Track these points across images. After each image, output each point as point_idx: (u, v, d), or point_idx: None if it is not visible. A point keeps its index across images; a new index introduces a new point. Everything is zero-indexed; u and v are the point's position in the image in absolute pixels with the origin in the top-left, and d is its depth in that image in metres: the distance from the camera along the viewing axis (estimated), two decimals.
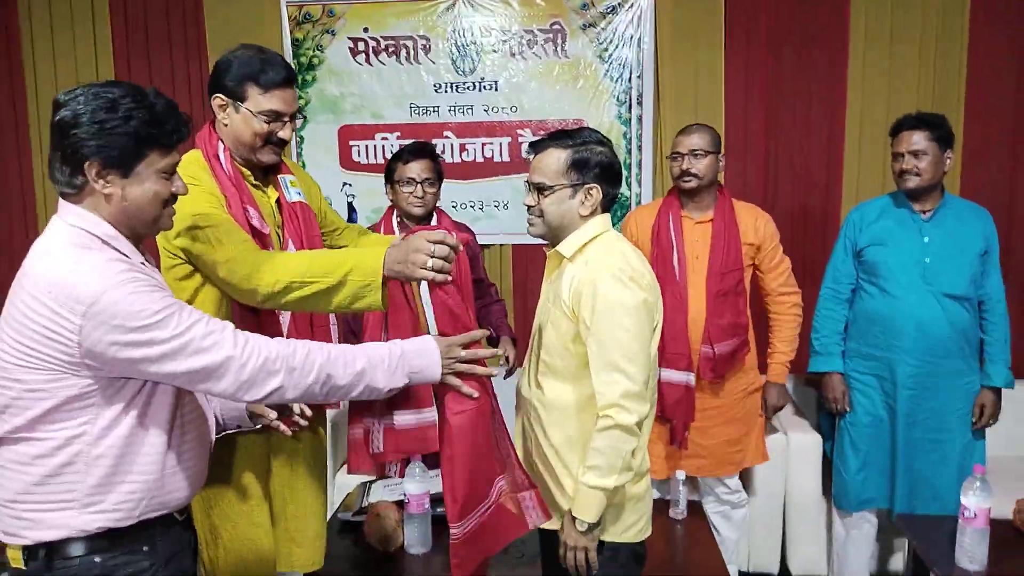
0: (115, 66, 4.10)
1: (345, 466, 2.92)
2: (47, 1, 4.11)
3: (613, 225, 1.87)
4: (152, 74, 4.09)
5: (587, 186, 1.76)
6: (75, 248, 1.36)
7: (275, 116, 1.78)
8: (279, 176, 1.92)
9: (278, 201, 1.90)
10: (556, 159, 1.77)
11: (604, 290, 1.69)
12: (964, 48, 3.59)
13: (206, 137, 1.83)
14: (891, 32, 3.62)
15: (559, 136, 1.81)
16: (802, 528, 3.03)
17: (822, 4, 3.66)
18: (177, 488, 1.47)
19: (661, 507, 2.46)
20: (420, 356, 1.52)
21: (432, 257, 1.54)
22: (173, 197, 1.45)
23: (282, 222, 1.88)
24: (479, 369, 1.58)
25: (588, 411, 1.73)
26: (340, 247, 2.04)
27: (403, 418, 2.49)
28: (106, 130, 1.35)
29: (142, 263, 1.45)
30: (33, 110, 4.18)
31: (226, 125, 1.81)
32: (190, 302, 1.69)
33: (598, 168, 1.77)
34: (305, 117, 1.92)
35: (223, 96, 1.79)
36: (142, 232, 1.46)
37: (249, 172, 1.85)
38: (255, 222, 1.76)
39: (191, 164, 1.75)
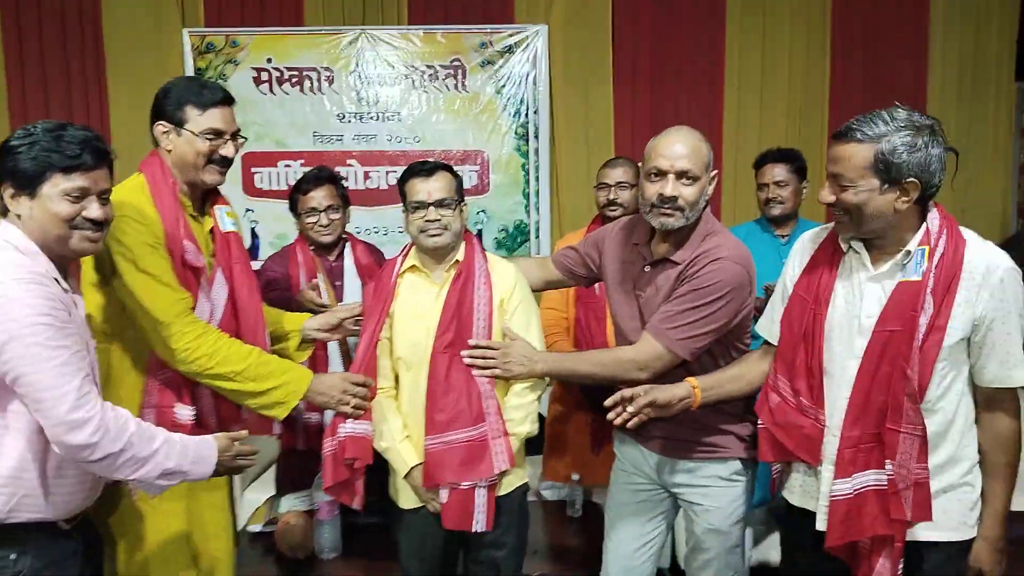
0: (8, 102, 4.02)
1: (252, 483, 2.93)
2: None
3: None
4: (49, 105, 4.03)
5: None
6: None
7: (216, 134, 1.85)
8: (216, 207, 1.98)
9: (211, 230, 1.96)
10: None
11: None
12: (826, 88, 4.03)
13: (153, 164, 1.88)
14: (762, 73, 4.03)
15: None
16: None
17: (699, 48, 4.04)
18: (59, 495, 1.50)
19: None
20: (203, 447, 1.63)
21: (354, 397, 1.90)
22: (86, 221, 1.51)
23: (214, 251, 1.94)
24: None
25: None
26: None
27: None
28: (14, 155, 1.47)
29: (64, 289, 1.51)
30: None
31: (169, 151, 1.87)
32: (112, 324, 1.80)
33: None
34: (245, 138, 1.99)
35: (165, 122, 1.86)
36: (58, 251, 1.52)
37: (189, 203, 1.91)
38: (190, 257, 1.82)
39: (137, 192, 1.81)
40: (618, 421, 1.74)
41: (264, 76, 3.91)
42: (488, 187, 3.98)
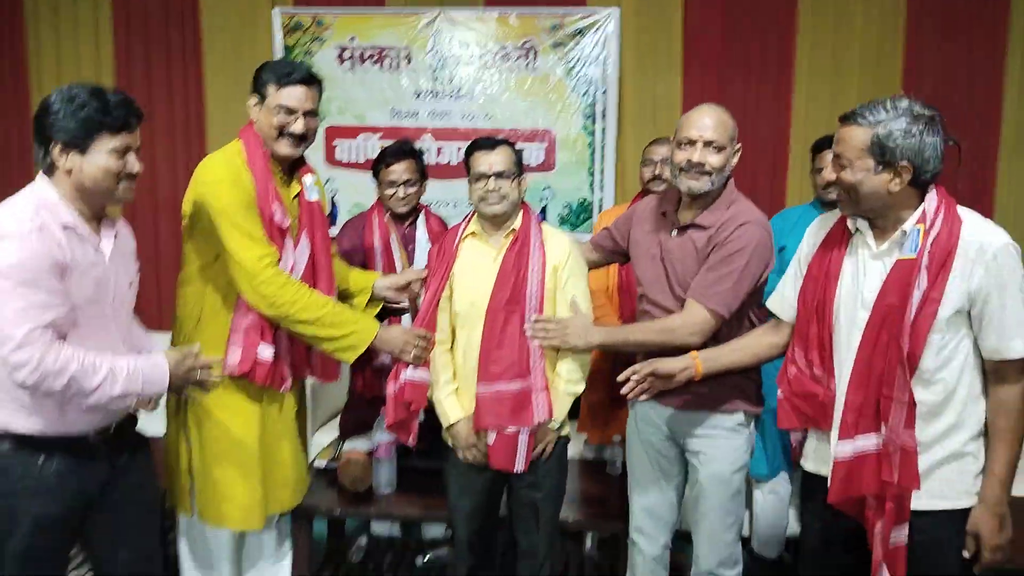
0: (116, 71, 4.38)
1: (321, 427, 3.18)
2: (53, 9, 4.37)
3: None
4: (152, 79, 4.37)
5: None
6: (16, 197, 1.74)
7: (286, 111, 2.08)
8: (304, 175, 2.21)
9: (297, 196, 2.19)
10: None
11: None
12: (898, 75, 3.97)
13: (248, 132, 2.14)
14: (833, 60, 4.01)
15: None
16: None
17: (770, 34, 4.04)
18: (72, 415, 1.74)
19: None
20: (152, 369, 1.79)
21: (415, 348, 2.14)
22: (127, 174, 1.76)
23: (299, 215, 2.17)
24: None
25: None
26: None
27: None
28: (62, 116, 1.70)
29: (87, 231, 1.76)
30: (35, 99, 4.44)
31: (255, 121, 2.11)
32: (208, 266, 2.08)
33: None
34: (320, 117, 2.21)
35: (255, 94, 2.11)
36: (101, 202, 1.78)
37: (278, 169, 2.13)
38: (278, 217, 2.06)
39: (234, 157, 2.07)
40: (631, 395, 1.98)
41: (347, 54, 4.14)
42: (555, 164, 4.11)
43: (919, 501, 1.70)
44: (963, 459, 1.72)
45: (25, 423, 1.72)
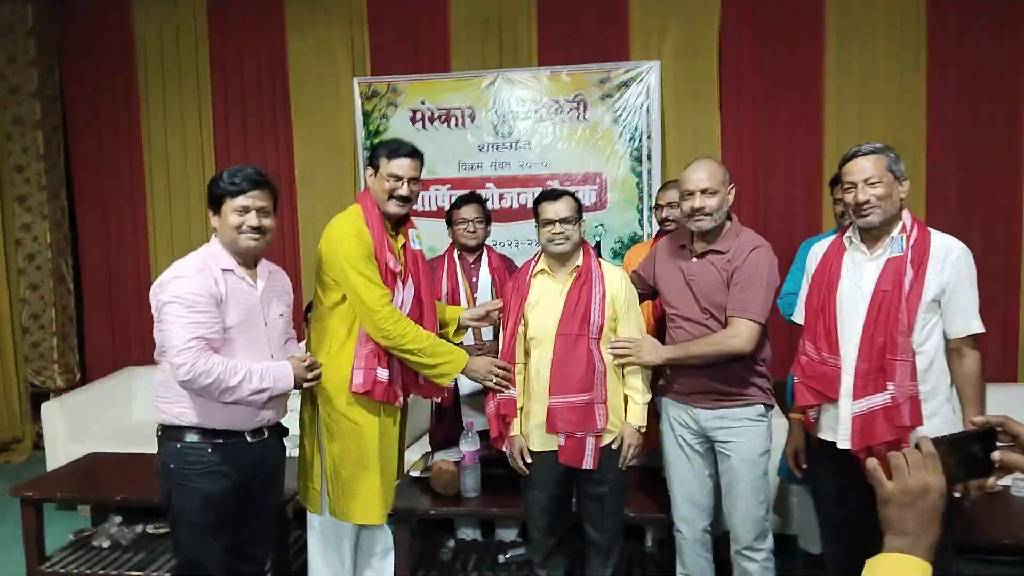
0: (215, 132, 5.01)
1: (412, 444, 3.65)
2: (161, 89, 5.04)
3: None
4: (247, 139, 4.98)
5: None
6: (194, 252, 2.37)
7: (395, 178, 2.57)
8: (408, 229, 2.70)
9: (403, 247, 2.68)
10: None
11: None
12: (923, 103, 4.30)
13: (365, 198, 2.63)
14: (859, 94, 4.36)
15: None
16: None
17: (800, 73, 4.42)
18: (232, 414, 2.27)
19: None
20: (281, 370, 2.33)
21: (496, 376, 2.59)
22: (248, 228, 2.28)
23: (405, 262, 2.65)
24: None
25: None
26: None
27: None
28: (210, 187, 2.33)
29: (242, 276, 2.33)
30: (147, 165, 5.11)
31: (370, 187, 2.62)
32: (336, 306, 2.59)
33: None
34: (421, 182, 2.73)
35: (370, 166, 2.62)
36: (233, 250, 2.33)
37: (389, 226, 2.63)
38: (391, 264, 2.56)
39: (356, 217, 2.57)
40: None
41: (419, 115, 4.67)
42: (606, 204, 4.54)
43: None
44: (939, 418, 2.21)
45: (199, 419, 2.26)
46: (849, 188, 2.28)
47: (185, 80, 5.02)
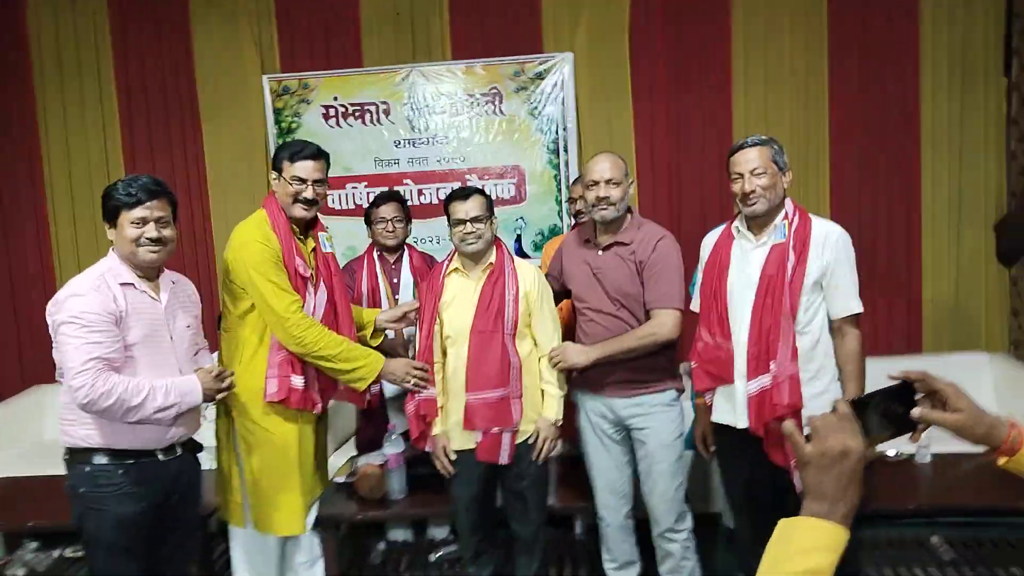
0: (121, 134, 4.81)
1: (336, 449, 3.61)
2: (60, 90, 4.80)
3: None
4: (153, 141, 4.80)
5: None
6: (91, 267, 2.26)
7: (299, 181, 2.52)
8: (318, 233, 2.65)
9: (313, 250, 2.62)
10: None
11: None
12: (825, 88, 4.43)
13: (271, 202, 2.57)
14: (765, 80, 4.47)
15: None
16: None
17: (708, 62, 4.50)
18: (143, 434, 2.20)
19: None
20: (186, 384, 2.26)
21: (414, 377, 2.58)
22: (147, 240, 2.20)
23: (316, 266, 2.60)
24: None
25: None
26: None
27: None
28: (104, 199, 2.24)
29: (143, 290, 2.25)
30: (47, 170, 4.86)
31: (275, 191, 2.55)
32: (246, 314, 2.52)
33: None
34: (326, 183, 2.66)
35: (273, 170, 2.56)
36: (134, 263, 2.24)
37: (297, 230, 2.57)
38: (300, 268, 2.50)
39: (262, 223, 2.51)
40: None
41: (332, 112, 4.59)
42: (525, 196, 4.56)
43: (806, 430, 2.26)
44: (828, 395, 2.33)
45: (106, 441, 2.18)
46: (736, 179, 2.38)
47: (86, 81, 4.78)
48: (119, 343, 2.16)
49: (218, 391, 2.34)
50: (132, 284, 2.22)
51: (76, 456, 2.22)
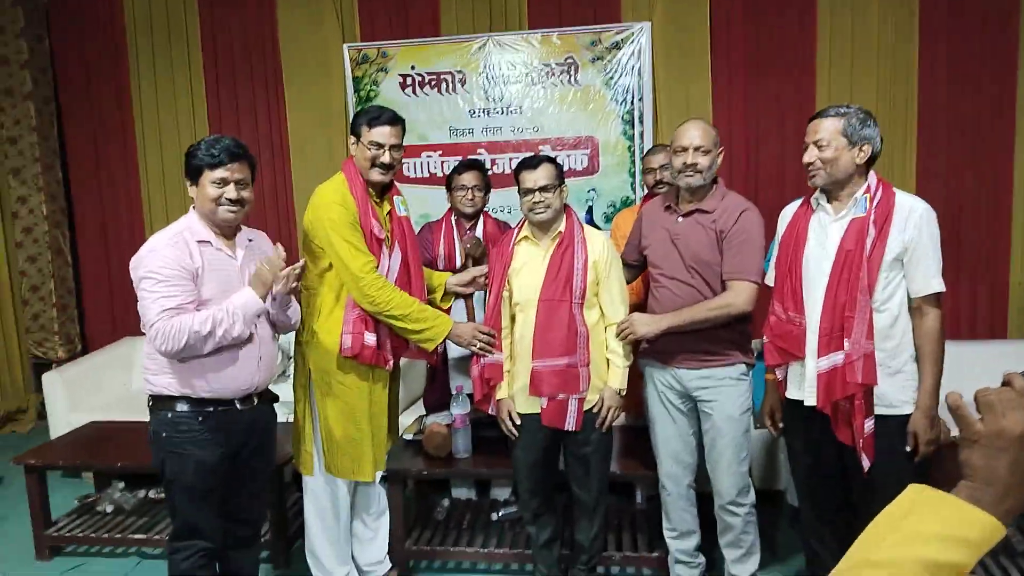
0: (207, 98, 5.00)
1: (406, 408, 3.71)
2: (152, 59, 5.02)
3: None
4: (238, 105, 4.98)
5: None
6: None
7: (376, 146, 2.59)
8: (393, 197, 2.73)
9: (389, 213, 2.70)
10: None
11: None
12: (914, 67, 4.27)
13: (349, 166, 2.65)
14: (851, 57, 4.33)
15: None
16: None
17: (791, 37, 4.38)
18: (220, 381, 2.31)
19: None
20: (240, 297, 2.31)
21: (480, 341, 2.61)
22: (227, 200, 2.29)
23: (391, 229, 2.68)
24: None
25: None
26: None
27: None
28: (188, 160, 2.32)
29: (220, 248, 2.35)
30: (140, 132, 5.11)
31: (354, 156, 2.63)
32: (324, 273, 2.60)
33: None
34: (403, 149, 2.73)
35: (352, 135, 2.63)
36: (214, 220, 2.34)
37: (374, 193, 2.65)
38: (376, 230, 2.58)
39: (340, 186, 2.60)
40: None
41: (408, 81, 4.66)
42: (599, 168, 4.55)
43: (877, 409, 2.25)
44: (903, 375, 2.26)
45: (187, 389, 2.30)
46: (805, 148, 2.33)
47: (175, 48, 5.00)
48: (194, 297, 2.26)
49: (271, 274, 2.35)
50: (209, 242, 2.33)
51: (158, 403, 2.35)
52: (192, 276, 2.26)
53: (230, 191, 2.31)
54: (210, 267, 2.31)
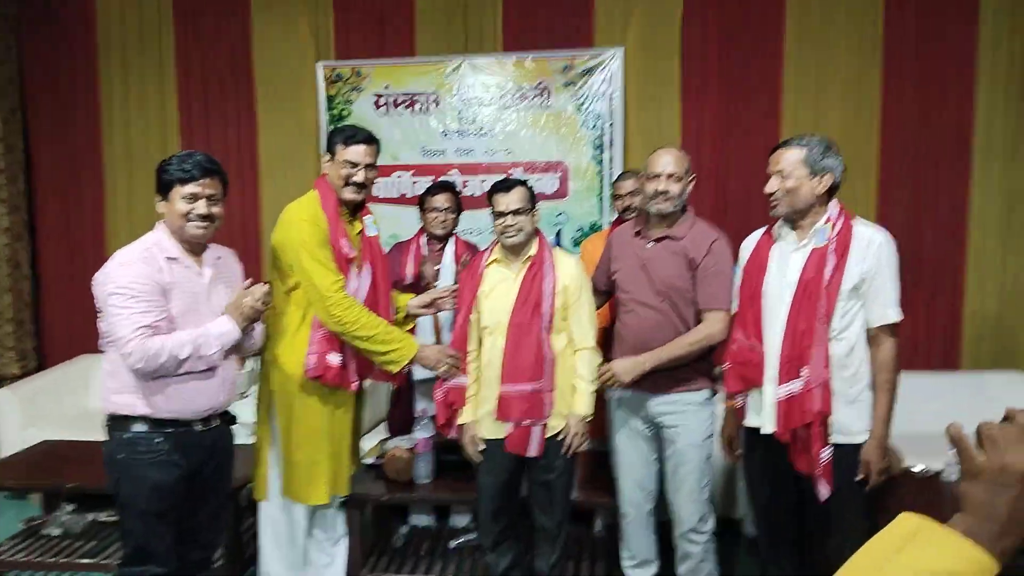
0: (179, 113, 4.94)
1: (367, 432, 3.65)
2: (123, 71, 4.96)
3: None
4: (209, 124, 4.92)
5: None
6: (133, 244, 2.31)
7: (351, 165, 2.57)
8: (364, 216, 2.70)
9: (360, 233, 2.67)
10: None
11: None
12: (878, 93, 4.35)
13: (322, 183, 2.63)
14: (816, 85, 4.40)
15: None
16: None
17: (759, 63, 4.44)
18: (180, 401, 2.27)
19: None
20: (219, 327, 2.29)
21: (446, 365, 2.61)
22: (197, 216, 2.26)
23: (361, 248, 2.65)
24: None
25: None
26: None
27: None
28: (158, 175, 2.30)
29: (188, 265, 2.31)
30: (106, 145, 5.03)
31: (327, 173, 2.60)
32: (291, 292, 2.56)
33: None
34: (376, 169, 2.70)
35: (327, 152, 2.61)
36: (181, 237, 2.30)
37: (346, 212, 2.62)
38: (346, 249, 2.55)
39: (312, 203, 2.57)
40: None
41: (382, 100, 4.65)
42: (568, 192, 4.55)
43: (835, 437, 2.27)
44: (861, 403, 2.28)
45: (148, 408, 2.25)
46: (768, 178, 2.38)
47: (148, 62, 4.94)
48: (165, 313, 2.23)
49: (252, 309, 2.34)
50: (177, 258, 2.29)
51: (116, 423, 2.30)
52: (162, 292, 2.23)
53: (200, 207, 2.27)
54: (177, 284, 2.27)
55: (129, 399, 2.25)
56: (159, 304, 2.21)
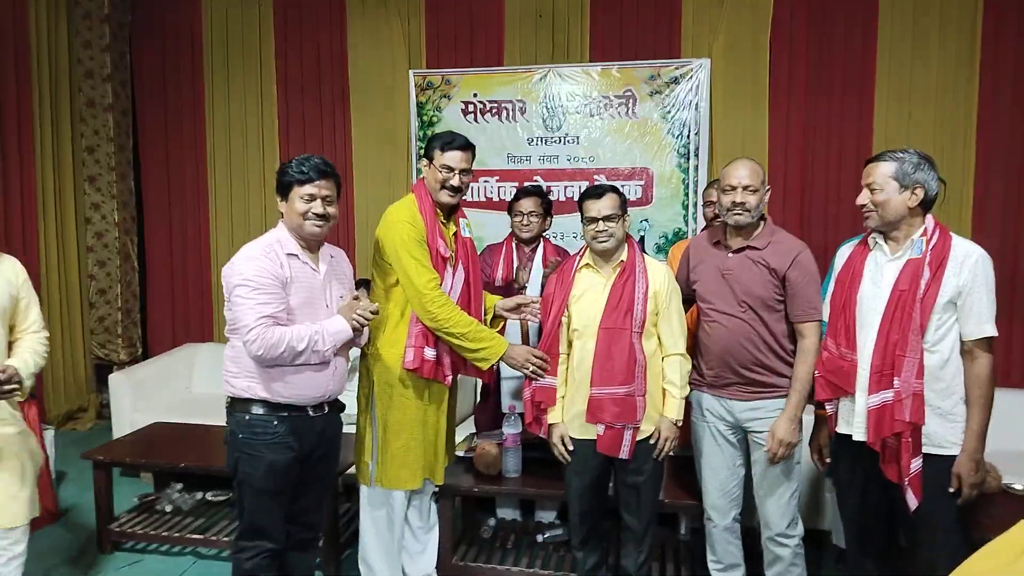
0: (277, 118, 5.21)
1: (459, 424, 3.80)
2: (226, 77, 5.26)
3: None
4: (305, 126, 5.17)
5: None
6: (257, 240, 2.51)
7: (448, 169, 2.71)
8: (459, 218, 2.85)
9: (454, 234, 2.82)
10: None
11: None
12: (974, 101, 4.28)
13: (419, 187, 2.78)
14: (910, 94, 4.35)
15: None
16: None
17: (850, 72, 4.42)
18: (297, 388, 2.44)
19: None
20: (334, 325, 2.46)
21: (532, 365, 2.70)
22: (314, 215, 2.43)
23: (456, 249, 2.80)
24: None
25: None
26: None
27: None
28: (279, 175, 2.47)
29: (305, 261, 2.49)
30: (210, 148, 5.34)
31: (425, 177, 2.76)
32: (391, 288, 2.72)
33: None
34: (471, 173, 2.85)
35: (425, 157, 2.76)
36: (300, 235, 2.48)
37: (441, 214, 2.77)
38: (441, 249, 2.70)
39: (411, 205, 2.72)
40: None
41: (470, 108, 4.80)
42: (652, 199, 4.62)
43: (926, 448, 2.29)
44: (953, 416, 2.30)
45: (266, 393, 2.43)
46: (860, 191, 2.42)
47: (249, 68, 5.23)
48: (284, 305, 2.40)
49: (362, 318, 2.53)
50: (296, 255, 2.47)
51: (236, 405, 2.48)
52: (282, 285, 2.40)
53: (317, 206, 2.44)
54: (296, 279, 2.45)
55: (249, 383, 2.43)
56: (280, 296, 2.39)
